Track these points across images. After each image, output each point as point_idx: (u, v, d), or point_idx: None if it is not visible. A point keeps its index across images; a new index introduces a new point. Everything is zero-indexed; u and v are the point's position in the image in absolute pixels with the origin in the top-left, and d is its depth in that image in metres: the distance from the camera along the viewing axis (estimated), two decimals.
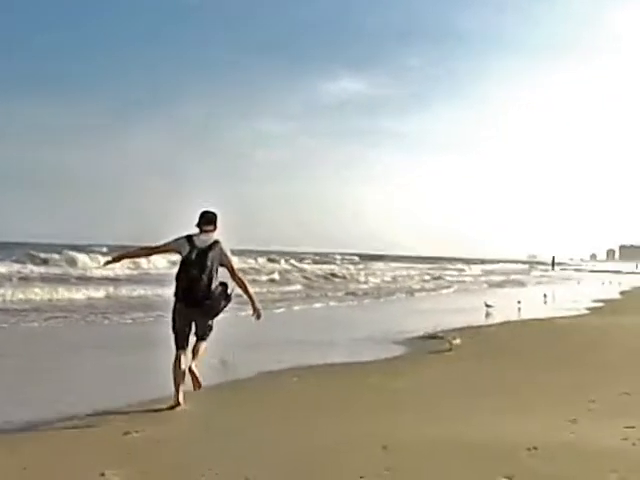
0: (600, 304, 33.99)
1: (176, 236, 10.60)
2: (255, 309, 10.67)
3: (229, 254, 10.46)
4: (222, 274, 10.54)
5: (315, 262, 76.92)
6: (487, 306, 27.39)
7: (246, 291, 10.69)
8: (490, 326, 22.77)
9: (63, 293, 29.88)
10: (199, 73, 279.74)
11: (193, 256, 10.27)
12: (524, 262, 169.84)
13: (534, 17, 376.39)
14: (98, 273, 45.25)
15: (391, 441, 8.21)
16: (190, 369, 10.27)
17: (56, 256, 53.10)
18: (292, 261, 69.47)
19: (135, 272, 49.44)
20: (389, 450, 7.91)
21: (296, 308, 28.35)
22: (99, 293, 30.96)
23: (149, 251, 11.37)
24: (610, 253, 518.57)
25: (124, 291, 32.41)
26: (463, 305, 32.48)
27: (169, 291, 11.09)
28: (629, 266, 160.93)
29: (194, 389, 10.43)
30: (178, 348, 10.43)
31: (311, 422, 9.57)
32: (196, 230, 10.55)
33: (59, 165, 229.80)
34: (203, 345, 10.56)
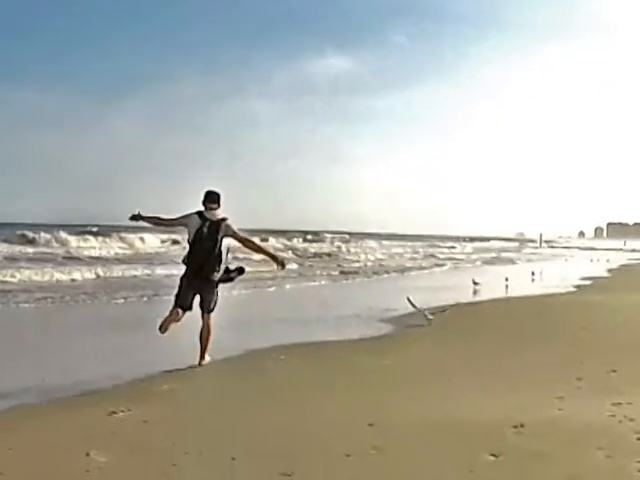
0: (588, 282, 34.00)
1: (187, 212, 11.61)
2: (278, 262, 12.10)
3: (235, 228, 11.57)
4: None
5: (305, 240, 76.75)
6: (475, 283, 27.42)
7: (262, 250, 12.28)
8: (477, 303, 22.80)
9: (52, 273, 29.68)
10: (185, 54, 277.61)
11: (205, 229, 11.35)
12: (513, 240, 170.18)
13: None
14: (87, 253, 45.40)
15: (378, 420, 8.19)
16: (199, 364, 11.73)
17: (47, 236, 53.05)
18: (282, 239, 69.29)
19: (127, 252, 49.63)
20: (376, 429, 7.88)
21: (288, 287, 28.22)
22: (89, 274, 30.71)
23: (167, 222, 12.03)
24: (598, 231, 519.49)
25: (114, 271, 32.20)
26: (453, 282, 32.49)
27: (160, 271, 11.41)
28: (617, 243, 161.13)
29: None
30: (174, 306, 11.49)
31: (297, 401, 9.53)
32: (202, 208, 11.54)
33: (44, 148, 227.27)
34: (211, 321, 11.73)
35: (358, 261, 50.77)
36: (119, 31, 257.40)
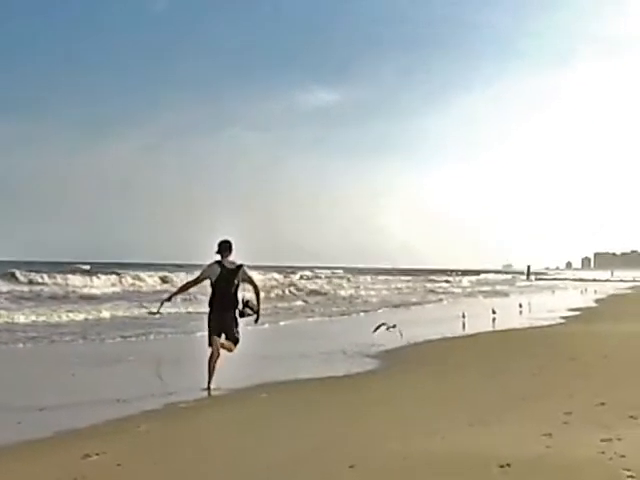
0: (576, 312, 33.85)
1: (208, 263, 13.47)
2: (257, 314, 13.72)
3: (249, 273, 13.58)
4: None
5: (302, 277, 76.62)
6: (463, 317, 27.23)
7: (258, 298, 13.71)
8: (465, 337, 22.53)
9: (41, 313, 29.34)
10: (171, 84, 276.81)
11: (224, 276, 13.26)
12: (500, 272, 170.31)
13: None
14: (84, 292, 45.28)
15: (359, 461, 7.84)
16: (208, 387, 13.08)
17: (38, 275, 53.10)
18: (275, 275, 68.99)
19: (118, 289, 49.50)
20: (356, 472, 7.54)
21: (282, 324, 27.92)
22: (79, 313, 30.33)
23: (194, 283, 13.81)
24: (585, 261, 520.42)
25: (104, 311, 31.84)
26: (445, 316, 32.25)
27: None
28: (604, 274, 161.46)
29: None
30: (210, 345, 13.27)
31: (276, 439, 9.20)
32: (217, 257, 13.45)
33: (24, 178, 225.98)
34: (233, 349, 13.49)
35: (354, 297, 50.33)
36: (108, 60, 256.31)
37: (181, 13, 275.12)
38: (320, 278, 78.10)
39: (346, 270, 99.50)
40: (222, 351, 13.30)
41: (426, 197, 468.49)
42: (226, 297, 13.32)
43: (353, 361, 17.20)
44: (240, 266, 13.40)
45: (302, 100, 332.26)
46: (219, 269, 13.34)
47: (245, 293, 13.78)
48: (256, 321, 13.82)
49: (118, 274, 59.58)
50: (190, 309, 32.07)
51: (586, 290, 66.71)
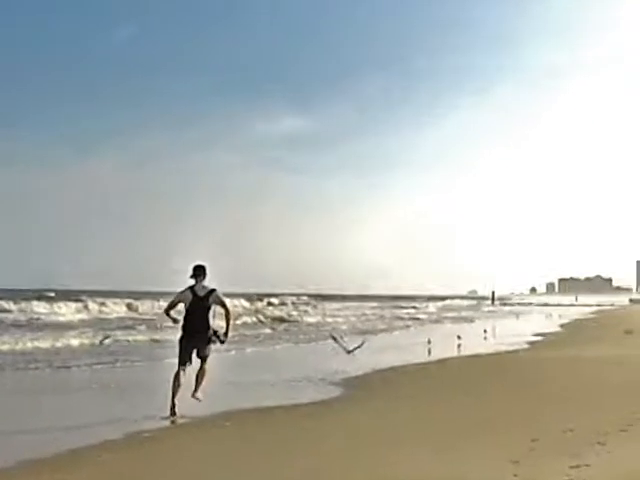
0: (540, 338, 33.84)
1: (181, 289, 13.90)
2: (225, 335, 13.92)
3: (222, 297, 13.90)
4: None
5: (270, 304, 76.32)
6: (429, 343, 27.13)
7: (227, 322, 13.89)
8: (431, 363, 22.37)
9: (12, 341, 28.91)
10: (145, 107, 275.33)
11: (196, 301, 13.66)
12: (466, 297, 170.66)
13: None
14: (49, 319, 44.89)
15: None
16: (192, 395, 13.64)
17: (10, 304, 52.65)
18: (242, 301, 68.59)
19: (84, 317, 49.10)
20: None
21: (248, 350, 27.62)
22: (46, 342, 29.89)
23: (171, 307, 14.05)
24: (550, 286, 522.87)
25: (75, 338, 31.42)
26: (411, 342, 32.08)
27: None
28: (569, 299, 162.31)
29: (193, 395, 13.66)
30: (179, 365, 13.63)
31: (237, 471, 8.99)
32: (192, 281, 13.83)
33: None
34: (205, 366, 13.86)
35: (321, 324, 50.05)
36: (86, 81, 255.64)
37: (154, 36, 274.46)
38: (286, 305, 77.83)
39: (311, 296, 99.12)
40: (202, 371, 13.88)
41: (392, 223, 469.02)
42: (198, 321, 13.66)
43: (317, 388, 16.97)
44: (212, 291, 13.80)
45: (275, 124, 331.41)
46: (191, 295, 13.77)
47: (217, 321, 14.02)
48: (222, 342, 14.02)
49: (83, 301, 59.07)
50: (157, 337, 31.76)
51: (551, 315, 66.95)
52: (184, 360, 13.70)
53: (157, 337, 31.28)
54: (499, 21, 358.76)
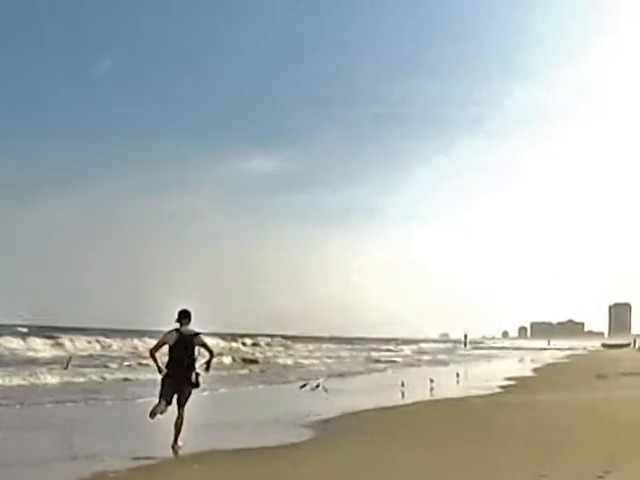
0: (513, 382, 33.67)
1: (167, 330, 14.28)
2: (208, 366, 14.49)
3: (205, 340, 14.38)
4: None
5: (244, 345, 75.99)
6: (402, 386, 26.94)
7: (210, 358, 14.54)
8: (403, 406, 22.14)
9: None
10: (110, 149, 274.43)
11: (181, 343, 14.07)
12: (437, 341, 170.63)
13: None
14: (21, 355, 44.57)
15: None
16: (172, 447, 13.81)
17: None
18: (218, 340, 68.07)
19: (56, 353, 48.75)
20: None
21: (222, 391, 27.31)
22: (17, 378, 29.50)
23: (156, 349, 14.49)
24: (522, 330, 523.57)
25: (47, 375, 31.03)
26: (385, 384, 31.89)
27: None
28: (541, 343, 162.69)
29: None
30: (160, 399, 13.96)
31: None
32: (177, 324, 14.25)
33: None
34: (184, 413, 14.06)
35: (297, 365, 49.74)
36: (53, 120, 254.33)
37: (126, 74, 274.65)
38: (259, 346, 77.53)
39: (285, 337, 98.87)
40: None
41: (363, 266, 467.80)
42: (182, 362, 14.07)
43: (287, 431, 16.74)
44: (197, 334, 14.29)
45: (244, 166, 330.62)
46: (176, 335, 14.20)
47: (199, 361, 14.42)
48: (206, 370, 14.47)
49: (55, 338, 58.75)
50: (129, 375, 31.45)
51: (523, 359, 66.89)
52: (165, 398, 14.03)
53: (129, 376, 30.97)
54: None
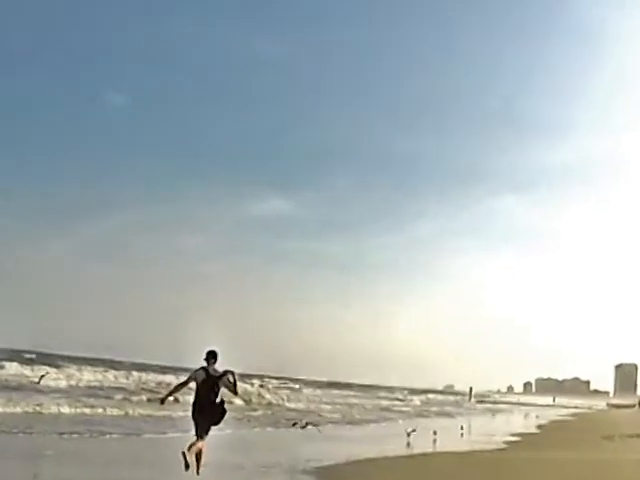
0: (518, 438, 33.24)
1: (195, 369, 15.14)
2: (236, 392, 15.36)
3: (232, 378, 15.00)
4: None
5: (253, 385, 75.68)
6: (408, 435, 26.62)
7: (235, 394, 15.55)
8: (406, 457, 21.77)
9: None
10: (124, 185, 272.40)
11: (207, 381, 14.86)
12: (442, 392, 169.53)
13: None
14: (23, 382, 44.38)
15: None
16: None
17: None
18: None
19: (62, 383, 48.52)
20: None
21: (227, 431, 26.94)
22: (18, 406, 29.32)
23: (183, 385, 15.62)
24: (527, 386, 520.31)
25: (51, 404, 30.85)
26: (391, 434, 31.56)
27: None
28: (546, 399, 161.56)
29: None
30: (196, 435, 14.90)
31: None
32: (204, 363, 15.01)
33: None
34: (202, 445, 14.87)
35: (310, 411, 49.07)
36: (53, 156, 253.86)
37: (141, 109, 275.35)
38: (267, 388, 77.11)
39: (292, 380, 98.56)
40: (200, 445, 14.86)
41: (365, 312, 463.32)
42: (207, 399, 14.86)
43: (287, 476, 16.46)
44: (224, 373, 15.02)
45: (255, 207, 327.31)
46: (204, 374, 14.99)
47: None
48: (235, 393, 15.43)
49: (59, 366, 58.66)
50: (130, 410, 31.25)
51: (528, 415, 66.33)
52: (196, 433, 14.96)
53: (141, 411, 30.85)
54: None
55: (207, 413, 14.91)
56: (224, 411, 15.03)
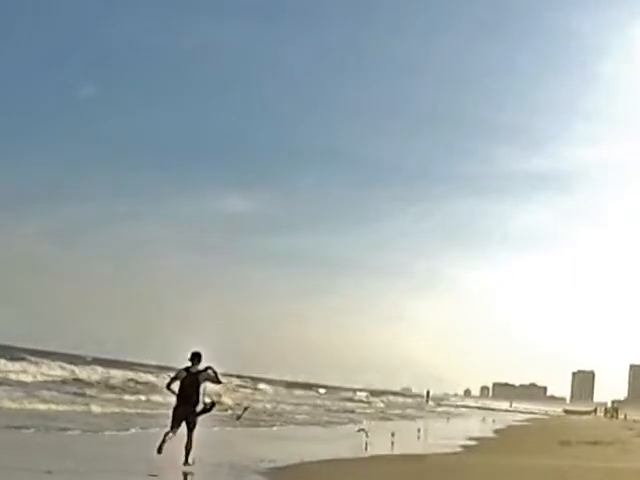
0: (474, 442, 33.07)
1: (180, 368, 16.91)
2: (219, 381, 17.28)
3: (211, 373, 16.71)
4: None
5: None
6: (367, 436, 26.34)
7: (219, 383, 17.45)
8: (360, 459, 21.29)
9: None
10: (84, 169, 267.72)
11: (188, 379, 16.60)
12: (397, 394, 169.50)
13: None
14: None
15: None
16: (184, 464, 16.17)
17: None
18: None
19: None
20: None
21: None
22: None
23: (171, 382, 17.01)
24: (484, 390, 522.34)
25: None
26: (348, 435, 31.27)
27: None
28: (503, 404, 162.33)
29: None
30: (171, 429, 16.40)
31: None
32: (189, 363, 16.76)
33: None
34: (193, 435, 16.53)
35: (276, 411, 48.41)
36: (36, 141, 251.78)
37: (108, 100, 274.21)
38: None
39: (252, 379, 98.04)
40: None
41: (325, 313, 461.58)
42: (189, 395, 16.52)
43: (239, 476, 16.15)
44: (203, 370, 16.73)
45: (216, 204, 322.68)
46: (185, 373, 16.76)
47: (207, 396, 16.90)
48: (211, 409, 17.10)
49: (24, 359, 58.19)
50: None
51: (485, 419, 66.44)
52: (173, 426, 16.47)
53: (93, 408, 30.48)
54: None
55: (190, 407, 16.52)
56: (212, 406, 17.13)
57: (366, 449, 23.93)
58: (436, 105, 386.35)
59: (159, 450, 16.00)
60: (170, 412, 16.95)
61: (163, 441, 16.13)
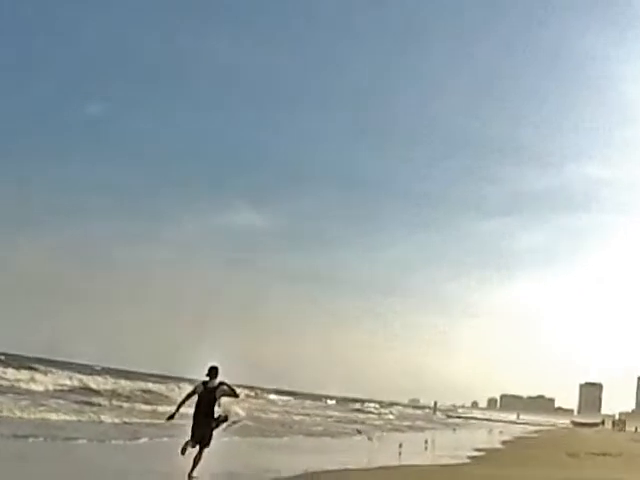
0: (481, 453, 32.86)
1: (197, 382, 16.89)
2: (237, 395, 17.23)
3: (226, 388, 16.64)
4: None
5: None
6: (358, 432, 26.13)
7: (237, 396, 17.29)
8: (367, 470, 21.18)
9: None
10: (100, 188, 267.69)
11: (205, 393, 16.49)
12: (406, 406, 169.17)
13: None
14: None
15: None
16: (189, 475, 16.13)
17: None
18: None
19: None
20: None
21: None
22: None
23: (187, 399, 16.82)
24: (492, 402, 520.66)
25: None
26: (356, 446, 31.16)
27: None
28: (510, 416, 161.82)
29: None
30: (191, 438, 16.31)
31: None
32: (206, 378, 16.66)
33: None
34: (204, 451, 16.36)
35: (287, 423, 48.17)
36: (46, 157, 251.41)
37: (115, 118, 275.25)
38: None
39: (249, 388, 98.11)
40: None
41: (331, 328, 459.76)
42: (205, 411, 16.44)
43: None
44: (222, 383, 16.72)
45: (228, 219, 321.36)
46: (202, 388, 16.67)
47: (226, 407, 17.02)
48: (224, 420, 16.84)
49: (33, 369, 58.15)
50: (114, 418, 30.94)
51: (492, 430, 66.16)
52: (194, 438, 16.33)
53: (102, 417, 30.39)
54: None
55: (205, 423, 16.40)
56: (225, 419, 16.88)
57: (373, 459, 23.84)
58: (462, 127, 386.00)
59: (182, 452, 16.30)
60: (189, 427, 16.68)
61: (186, 444, 16.36)
